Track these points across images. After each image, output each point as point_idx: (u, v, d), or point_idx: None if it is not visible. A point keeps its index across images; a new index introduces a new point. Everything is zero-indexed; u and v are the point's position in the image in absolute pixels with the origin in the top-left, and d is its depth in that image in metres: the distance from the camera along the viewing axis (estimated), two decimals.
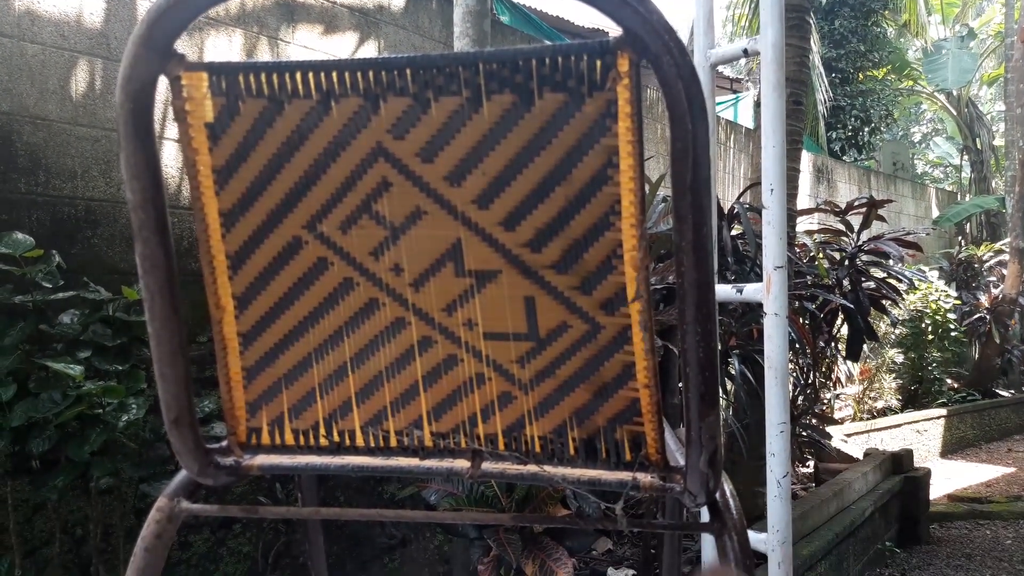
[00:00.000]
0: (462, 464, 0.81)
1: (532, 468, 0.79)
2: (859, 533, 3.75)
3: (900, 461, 4.51)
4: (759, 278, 1.90)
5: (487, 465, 0.80)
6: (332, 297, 0.75)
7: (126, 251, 2.37)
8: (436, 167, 0.67)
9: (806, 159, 8.18)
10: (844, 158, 11.13)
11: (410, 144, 0.67)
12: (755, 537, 1.70)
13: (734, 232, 3.11)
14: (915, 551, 4.18)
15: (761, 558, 1.74)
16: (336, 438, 0.84)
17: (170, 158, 2.53)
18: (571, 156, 0.64)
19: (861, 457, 4.57)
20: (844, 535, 3.55)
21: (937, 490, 4.80)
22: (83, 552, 2.07)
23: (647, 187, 2.75)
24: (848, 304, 3.53)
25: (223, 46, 2.89)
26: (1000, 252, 8.58)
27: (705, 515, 0.81)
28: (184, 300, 0.74)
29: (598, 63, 0.61)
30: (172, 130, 2.52)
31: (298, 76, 0.66)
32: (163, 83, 0.67)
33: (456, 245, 0.70)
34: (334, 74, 0.66)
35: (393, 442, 0.83)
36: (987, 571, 3.87)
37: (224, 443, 0.86)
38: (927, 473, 4.55)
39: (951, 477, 5.51)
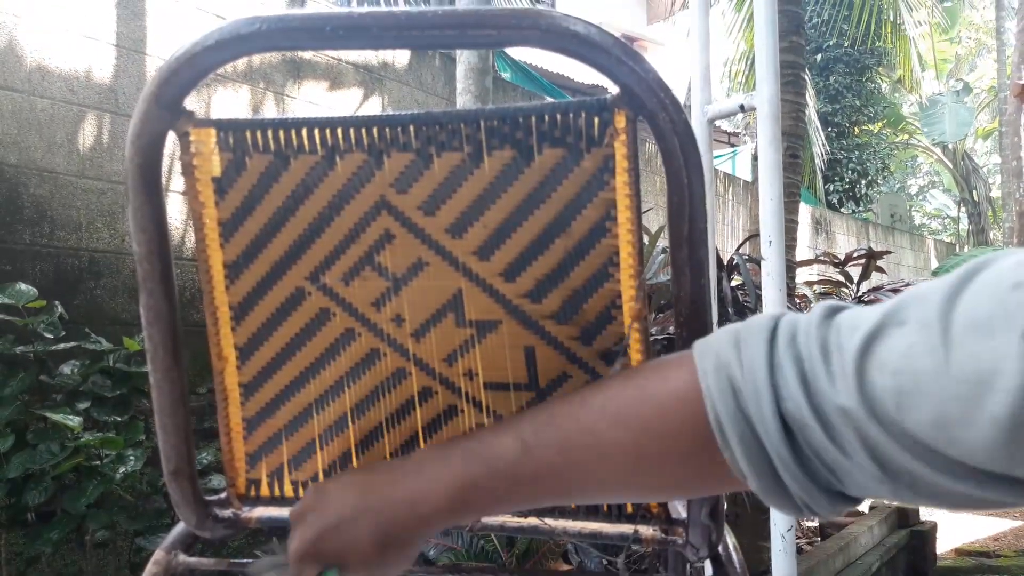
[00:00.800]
0: None
1: (532, 521, 0.79)
2: None
3: (906, 514, 4.45)
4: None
5: (487, 518, 0.80)
6: (334, 348, 0.76)
7: (128, 302, 2.38)
8: (438, 220, 0.68)
9: (804, 211, 8.26)
10: (842, 210, 11.23)
11: (412, 198, 0.68)
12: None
13: (734, 283, 3.12)
14: None
15: None
16: None
17: (175, 210, 2.56)
18: (570, 209, 0.66)
19: (866, 510, 4.51)
20: None
21: (944, 543, 4.72)
22: None
23: (646, 239, 2.77)
24: None
25: (230, 101, 2.95)
26: None
27: (708, 569, 0.80)
28: (185, 351, 0.75)
29: (596, 120, 0.63)
30: (177, 183, 2.55)
31: (304, 132, 0.68)
32: (171, 138, 0.69)
33: (457, 296, 0.71)
34: (339, 130, 0.67)
35: None
36: None
37: (223, 495, 0.86)
38: (933, 526, 4.48)
39: (958, 530, 5.43)
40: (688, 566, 1.12)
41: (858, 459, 0.41)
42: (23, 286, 1.84)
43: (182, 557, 0.84)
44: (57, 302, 1.90)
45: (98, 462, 1.73)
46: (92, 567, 1.90)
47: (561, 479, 0.52)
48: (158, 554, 0.84)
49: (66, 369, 1.89)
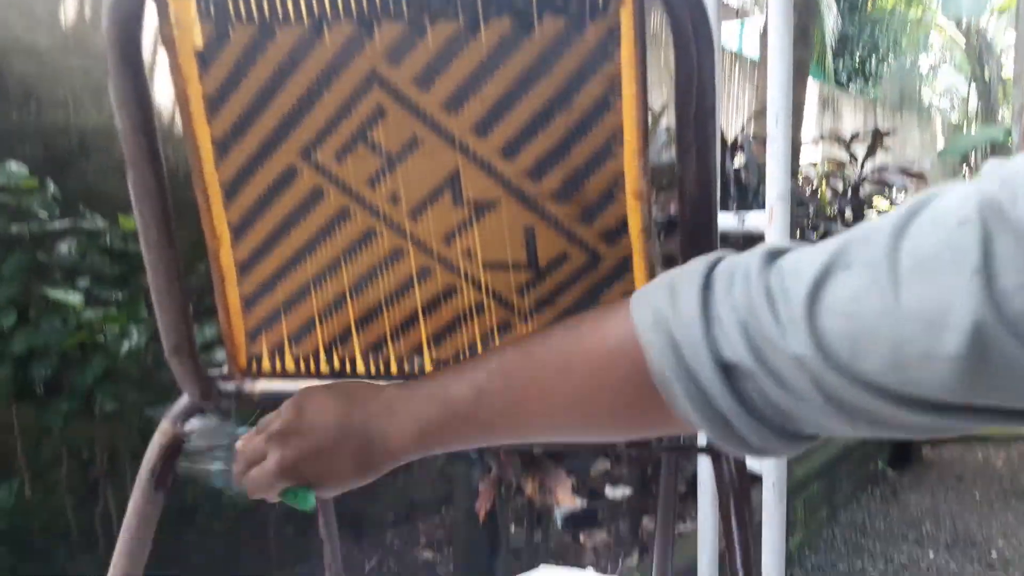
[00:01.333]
0: None
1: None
2: (852, 455, 3.83)
3: None
4: (761, 208, 1.89)
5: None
6: (329, 227, 0.74)
7: (121, 181, 2.33)
8: (433, 94, 0.66)
9: (812, 88, 8.03)
10: (850, 87, 10.93)
11: (406, 71, 0.65)
12: (751, 459, 1.73)
13: (736, 163, 3.07)
14: (906, 472, 4.28)
15: (756, 479, 1.78)
16: (337, 364, 0.85)
17: (162, 87, 2.48)
18: (572, 83, 0.63)
19: None
20: (837, 456, 3.63)
21: None
22: (90, 474, 2.12)
23: (650, 116, 2.70)
24: None
25: None
26: None
27: (702, 438, 0.82)
28: (183, 229, 0.74)
29: None
30: (163, 58, 2.45)
31: (289, 1, 0.64)
32: (152, 10, 0.65)
33: (454, 174, 0.69)
34: None
35: (394, 368, 0.83)
36: (977, 491, 3.98)
37: (225, 369, 0.87)
38: None
39: None
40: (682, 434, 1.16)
41: (813, 403, 0.40)
42: (14, 165, 1.80)
43: (187, 427, 0.85)
44: (50, 180, 1.87)
45: (102, 338, 1.75)
46: (103, 437, 1.97)
47: (513, 423, 0.55)
48: (163, 424, 0.86)
49: (63, 248, 1.88)
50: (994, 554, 3.31)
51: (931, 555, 3.30)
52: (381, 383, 0.62)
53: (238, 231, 0.76)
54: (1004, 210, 0.33)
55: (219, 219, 0.76)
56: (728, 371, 0.42)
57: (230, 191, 0.74)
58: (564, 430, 0.57)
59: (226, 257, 0.78)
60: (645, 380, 0.45)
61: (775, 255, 0.42)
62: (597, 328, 0.51)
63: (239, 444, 0.65)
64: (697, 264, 0.46)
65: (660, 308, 0.45)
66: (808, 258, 0.40)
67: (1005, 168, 0.35)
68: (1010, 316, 0.33)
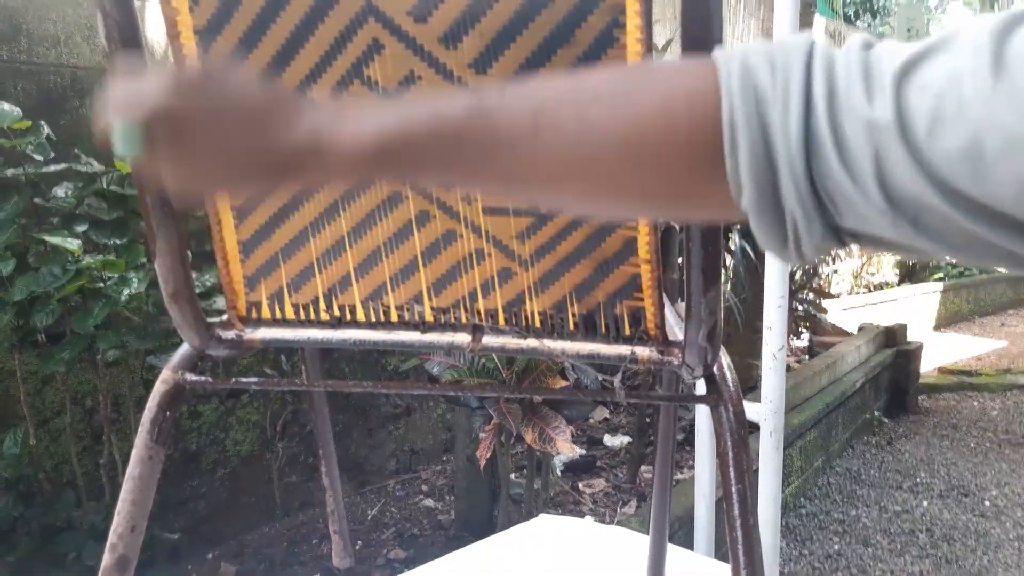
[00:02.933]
0: (463, 338, 0.81)
1: (532, 342, 0.79)
2: (849, 403, 3.86)
3: (893, 335, 4.60)
4: None
5: (487, 339, 0.81)
6: None
7: None
8: (430, 27, 0.63)
9: (819, 24, 7.87)
10: (858, 23, 10.72)
11: (402, 2, 0.63)
12: (748, 407, 1.74)
13: None
14: (902, 421, 4.33)
15: (753, 427, 1.79)
16: (336, 312, 0.84)
17: (154, 22, 2.42)
18: (574, 16, 0.60)
19: (856, 331, 4.65)
20: (834, 405, 3.66)
21: (928, 363, 4.92)
22: (94, 421, 2.13)
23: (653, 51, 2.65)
24: None
25: None
26: None
27: (702, 387, 0.82)
28: None
29: None
30: None
31: None
32: None
33: None
34: None
35: (394, 316, 0.82)
36: (971, 440, 4.02)
37: (225, 317, 0.86)
38: (919, 347, 4.64)
39: (943, 351, 5.63)
40: (681, 383, 1.16)
41: (865, 185, 0.38)
42: (6, 105, 1.76)
43: (189, 376, 0.85)
44: (43, 122, 1.84)
45: (102, 284, 1.74)
46: (106, 385, 1.97)
47: (518, 158, 0.44)
48: (165, 373, 0.86)
49: (60, 192, 1.86)
50: (987, 503, 3.35)
51: (924, 504, 3.35)
52: None
53: None
54: None
55: None
56: (807, 139, 0.39)
57: None
58: (584, 182, 0.45)
59: (222, 202, 0.77)
60: (709, 128, 0.41)
61: (872, 43, 0.40)
62: (674, 68, 0.45)
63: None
64: (797, 36, 0.42)
65: (752, 60, 0.41)
66: (907, 45, 0.39)
67: None
68: None
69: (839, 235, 0.42)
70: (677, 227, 1.51)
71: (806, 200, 0.40)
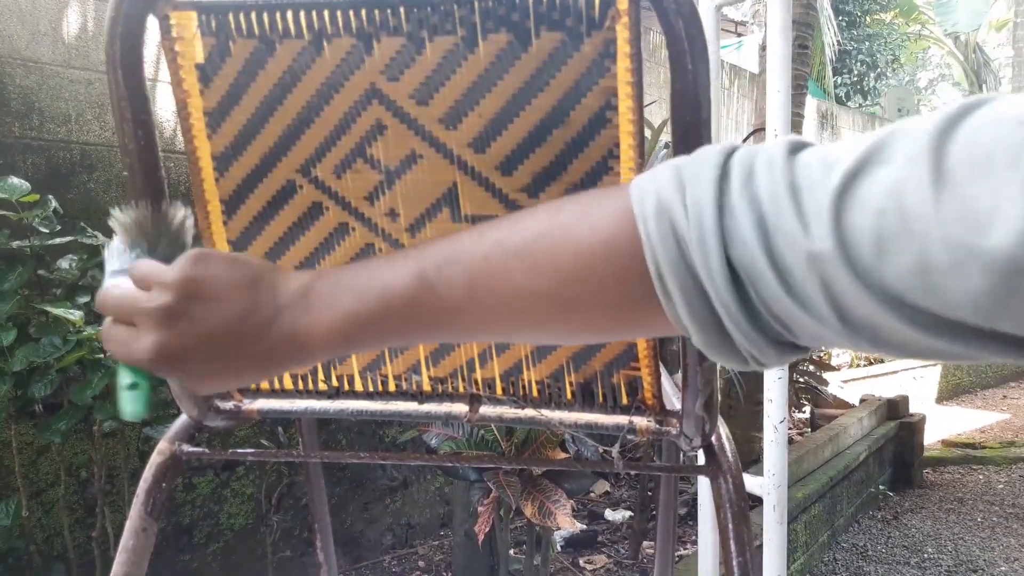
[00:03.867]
0: (460, 408, 0.82)
1: (530, 412, 0.80)
2: (853, 476, 3.81)
3: (896, 407, 4.56)
4: None
5: (485, 409, 0.81)
6: (328, 243, 0.74)
7: (122, 196, 2.35)
8: (431, 109, 0.66)
9: (810, 104, 8.07)
10: (849, 104, 10.98)
11: (404, 86, 0.66)
12: (751, 480, 1.72)
13: None
14: (908, 494, 4.26)
15: (757, 501, 1.77)
16: (335, 383, 0.85)
17: (165, 102, 2.50)
18: (569, 98, 0.63)
19: (857, 403, 4.62)
20: (838, 479, 3.61)
21: (932, 436, 4.87)
22: (88, 493, 2.10)
23: (648, 132, 2.72)
24: None
25: None
26: None
27: (702, 458, 0.82)
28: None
29: (596, 1, 0.60)
30: (165, 73, 2.47)
31: (289, 15, 0.65)
32: (153, 24, 0.65)
33: (452, 190, 0.69)
34: (326, 13, 0.64)
35: (392, 387, 0.83)
36: (978, 514, 3.95)
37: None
38: (922, 419, 4.60)
39: (946, 423, 5.58)
40: (681, 455, 1.15)
41: (818, 311, 0.37)
42: (15, 180, 1.80)
43: (186, 447, 0.85)
44: (51, 196, 1.87)
45: (102, 355, 1.74)
46: (101, 456, 1.95)
47: (464, 321, 0.47)
48: (162, 444, 0.86)
49: (64, 264, 1.88)
50: None
51: None
52: (297, 273, 0.51)
53: (237, 247, 0.76)
54: None
55: (219, 235, 0.76)
56: (731, 270, 0.38)
57: (230, 206, 0.74)
58: (531, 329, 0.48)
59: None
60: (639, 279, 0.41)
61: (799, 147, 0.39)
62: (587, 214, 0.44)
63: (115, 285, 0.51)
64: (710, 151, 0.41)
65: (665, 197, 0.40)
66: (840, 152, 0.37)
67: None
68: None
69: (796, 348, 0.41)
70: None
71: (748, 333, 0.39)
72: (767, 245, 0.37)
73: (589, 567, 2.88)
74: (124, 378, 0.51)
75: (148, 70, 0.66)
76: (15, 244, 1.79)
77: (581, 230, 0.43)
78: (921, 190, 0.33)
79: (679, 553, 2.82)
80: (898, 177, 0.34)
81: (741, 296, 0.39)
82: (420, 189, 0.70)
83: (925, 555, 3.50)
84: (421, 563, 2.94)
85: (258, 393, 0.87)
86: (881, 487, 4.18)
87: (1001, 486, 4.37)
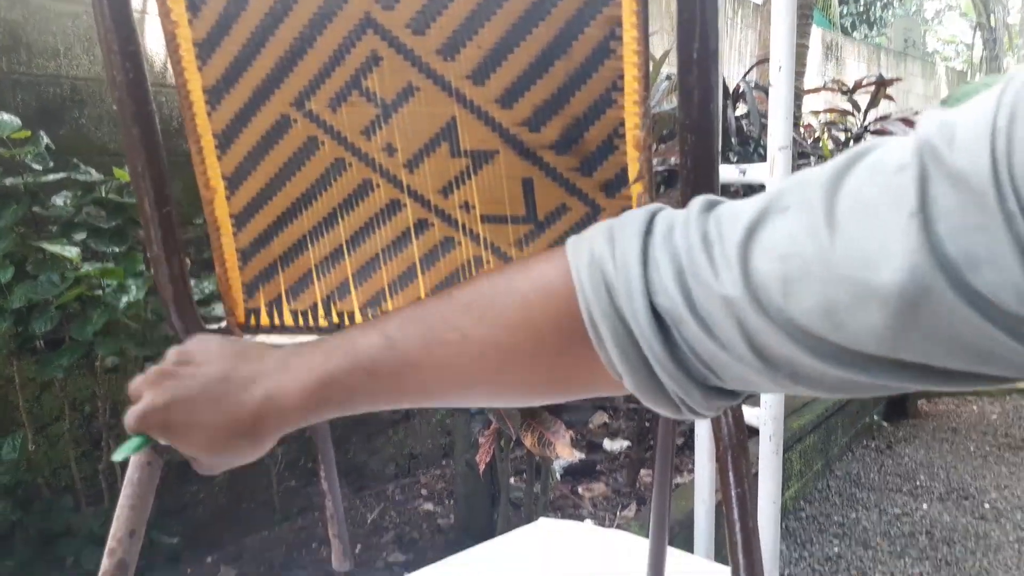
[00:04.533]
0: None
1: None
2: (847, 408, 3.86)
3: None
4: (762, 159, 1.87)
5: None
6: (324, 178, 0.73)
7: (114, 131, 2.31)
8: (428, 40, 0.64)
9: (815, 35, 7.90)
10: (854, 35, 10.75)
11: (400, 15, 0.63)
12: (748, 412, 1.74)
13: (738, 112, 3.04)
14: (902, 425, 4.33)
15: (753, 432, 1.80)
16: (336, 319, 0.84)
17: (154, 34, 2.43)
18: (571, 28, 0.61)
19: None
20: (833, 410, 3.66)
21: None
22: (93, 427, 2.13)
23: (651, 64, 2.66)
24: None
25: None
26: None
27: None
28: (178, 181, 0.73)
29: None
30: (154, 4, 2.40)
31: None
32: None
33: (451, 124, 0.68)
34: None
35: None
36: (971, 444, 4.02)
37: (224, 324, 0.86)
38: None
39: None
40: None
41: (737, 351, 0.39)
42: (6, 116, 1.77)
43: None
44: (42, 132, 1.84)
45: (100, 292, 1.74)
46: (104, 391, 1.97)
47: (423, 376, 0.50)
48: None
49: (58, 200, 1.86)
50: (987, 505, 3.35)
51: (924, 506, 3.35)
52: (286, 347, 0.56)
53: (232, 182, 0.75)
54: (940, 154, 0.33)
55: (212, 170, 0.75)
56: (658, 317, 0.41)
57: (223, 141, 0.73)
58: (482, 386, 0.51)
59: (220, 209, 0.77)
60: (574, 324, 0.44)
61: (712, 204, 0.42)
62: (529, 271, 0.48)
63: (134, 382, 0.59)
64: (637, 212, 0.45)
65: (597, 249, 0.44)
66: (745, 205, 0.40)
67: (943, 114, 0.35)
68: (945, 260, 0.32)
69: (724, 394, 0.44)
70: None
71: (675, 376, 0.42)
72: (686, 292, 0.40)
73: (588, 494, 2.95)
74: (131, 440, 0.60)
75: (135, 1, 0.64)
76: (8, 181, 1.77)
77: (522, 281, 0.48)
78: (817, 236, 0.35)
79: (676, 481, 2.88)
80: (797, 224, 0.37)
81: (666, 340, 0.41)
82: (418, 123, 0.68)
83: (917, 483, 3.58)
84: (424, 491, 3.01)
85: (258, 329, 0.87)
86: (875, 417, 4.25)
87: (995, 416, 4.44)
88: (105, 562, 0.81)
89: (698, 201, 0.42)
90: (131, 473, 0.85)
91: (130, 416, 0.57)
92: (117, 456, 0.60)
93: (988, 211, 0.31)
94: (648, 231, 0.43)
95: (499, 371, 0.49)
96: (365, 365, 0.50)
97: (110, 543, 0.81)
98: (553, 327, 0.45)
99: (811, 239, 0.36)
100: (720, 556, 2.03)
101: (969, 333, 0.33)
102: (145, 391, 0.56)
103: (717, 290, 0.39)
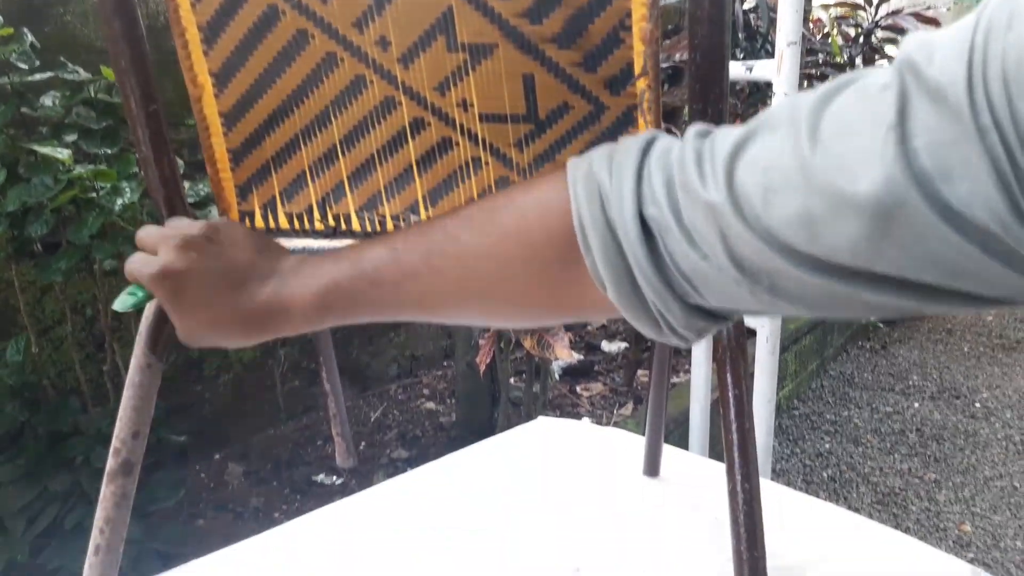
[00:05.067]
0: None
1: None
2: None
3: None
4: (769, 55, 1.80)
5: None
6: (315, 74, 0.70)
7: (100, 28, 2.23)
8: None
9: None
10: None
11: None
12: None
13: (746, 5, 2.93)
14: (898, 326, 4.37)
15: (750, 332, 1.81)
16: (331, 222, 0.83)
17: None
18: None
19: None
20: None
21: None
22: (96, 330, 2.15)
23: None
24: None
25: None
26: None
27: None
28: (167, 81, 0.70)
29: None
30: None
31: None
32: None
33: (447, 15, 0.65)
34: None
35: (390, 227, 0.81)
36: (965, 345, 4.08)
37: None
38: None
39: None
40: None
41: (718, 261, 0.41)
42: None
43: None
44: (25, 30, 1.78)
45: (95, 195, 1.72)
46: (105, 294, 1.98)
47: (421, 286, 0.52)
48: None
49: (47, 101, 1.81)
50: (978, 404, 3.43)
51: (916, 405, 3.43)
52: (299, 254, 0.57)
53: (220, 79, 0.72)
54: (920, 71, 0.34)
55: (199, 65, 0.72)
56: (647, 229, 0.43)
57: (209, 35, 0.70)
58: (477, 298, 0.53)
59: (209, 107, 0.75)
60: (567, 240, 0.46)
61: (709, 131, 0.44)
62: (530, 188, 0.50)
63: (145, 230, 0.60)
64: (637, 136, 0.47)
65: (595, 165, 0.46)
66: (739, 127, 0.42)
67: (925, 34, 0.35)
68: (920, 174, 0.33)
69: (706, 313, 0.45)
70: (679, 135, 1.47)
71: (656, 286, 0.43)
72: (673, 201, 0.42)
73: (586, 394, 3.01)
74: (129, 290, 0.59)
75: None
76: None
77: (522, 197, 0.50)
78: (800, 150, 0.37)
79: (672, 381, 2.93)
80: (781, 140, 0.38)
81: (652, 251, 0.43)
82: (412, 14, 0.65)
83: (910, 382, 3.65)
84: (426, 391, 3.06)
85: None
86: (871, 319, 4.29)
87: (990, 318, 4.48)
88: (111, 462, 0.82)
89: (696, 127, 0.44)
90: (132, 375, 0.85)
91: (139, 267, 0.57)
92: (118, 306, 0.59)
93: (963, 125, 0.32)
94: (646, 151, 0.45)
95: (492, 283, 0.50)
96: (369, 274, 0.52)
97: (115, 444, 0.83)
98: (546, 240, 0.47)
99: (794, 153, 0.37)
100: (714, 453, 2.08)
101: (942, 247, 0.34)
102: (163, 250, 0.56)
103: (703, 197, 0.40)
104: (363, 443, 2.67)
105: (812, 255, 0.38)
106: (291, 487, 2.42)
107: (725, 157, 0.40)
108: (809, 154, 0.36)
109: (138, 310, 0.62)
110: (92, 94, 1.82)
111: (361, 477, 2.39)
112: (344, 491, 2.21)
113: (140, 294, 0.59)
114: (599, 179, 0.45)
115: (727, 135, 0.41)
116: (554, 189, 0.47)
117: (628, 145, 0.46)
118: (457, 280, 0.51)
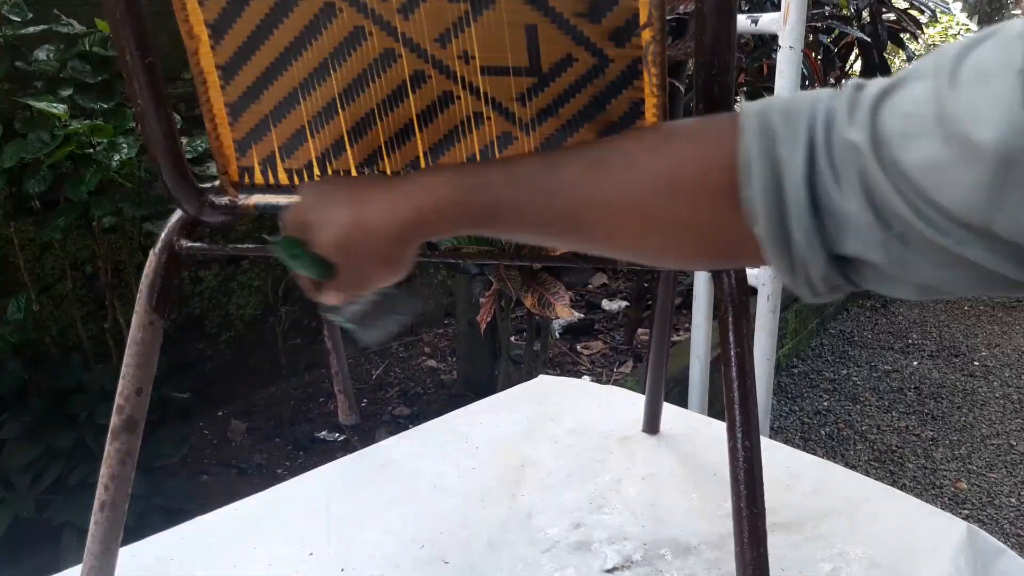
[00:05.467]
0: None
1: None
2: None
3: None
4: (774, 9, 1.77)
5: None
6: (313, 25, 0.69)
7: None
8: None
9: None
10: None
11: None
12: (747, 272, 1.75)
13: None
14: None
15: (752, 291, 1.81)
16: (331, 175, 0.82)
17: None
18: None
19: None
20: None
21: None
22: (96, 287, 2.15)
23: None
24: (865, 37, 3.34)
25: None
26: None
27: None
28: (163, 33, 0.68)
29: None
30: None
31: None
32: None
33: None
34: None
35: None
36: (966, 304, 4.08)
37: (217, 183, 0.84)
38: None
39: None
40: None
41: (856, 203, 0.42)
42: None
43: (184, 242, 0.84)
44: None
45: (91, 150, 1.70)
46: (104, 251, 1.97)
47: (580, 194, 0.52)
48: (160, 240, 0.85)
49: (41, 55, 1.79)
50: (976, 363, 3.44)
51: (915, 363, 3.44)
52: None
53: (216, 30, 0.71)
54: None
55: (195, 15, 0.70)
56: (810, 169, 0.44)
57: None
58: (632, 217, 0.52)
59: (206, 59, 0.73)
60: (731, 167, 0.47)
61: (865, 84, 0.45)
62: (704, 118, 0.54)
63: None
64: (813, 92, 0.48)
65: (771, 105, 0.47)
66: (890, 77, 0.43)
67: None
68: None
69: (842, 270, 0.46)
70: (682, 90, 1.45)
71: (808, 228, 0.44)
72: (827, 139, 0.44)
73: (586, 352, 3.02)
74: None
75: None
76: None
77: (698, 125, 0.53)
78: (939, 96, 0.38)
79: (672, 339, 2.94)
80: (924, 88, 0.39)
81: (811, 194, 0.44)
82: None
83: (909, 341, 3.66)
84: (427, 349, 3.08)
85: (254, 188, 0.85)
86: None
87: None
88: (114, 419, 0.83)
89: (851, 82, 0.46)
90: (134, 332, 0.85)
91: (319, 247, 0.59)
92: (296, 267, 0.61)
93: None
94: (819, 97, 0.46)
95: (653, 199, 0.51)
96: (525, 181, 0.53)
97: (118, 401, 0.83)
98: (718, 166, 0.48)
99: (934, 99, 0.38)
100: (713, 411, 2.10)
101: None
102: (315, 221, 0.59)
103: (847, 136, 0.42)
104: (365, 400, 2.69)
105: (938, 204, 0.38)
106: (294, 443, 2.44)
107: (871, 101, 0.42)
108: (947, 100, 0.37)
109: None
110: (87, 47, 1.79)
111: (363, 434, 2.41)
112: (346, 447, 2.23)
113: (315, 268, 0.60)
114: (772, 120, 0.46)
115: (878, 82, 0.43)
116: (728, 125, 0.49)
117: (803, 97, 0.47)
118: (619, 193, 0.51)
